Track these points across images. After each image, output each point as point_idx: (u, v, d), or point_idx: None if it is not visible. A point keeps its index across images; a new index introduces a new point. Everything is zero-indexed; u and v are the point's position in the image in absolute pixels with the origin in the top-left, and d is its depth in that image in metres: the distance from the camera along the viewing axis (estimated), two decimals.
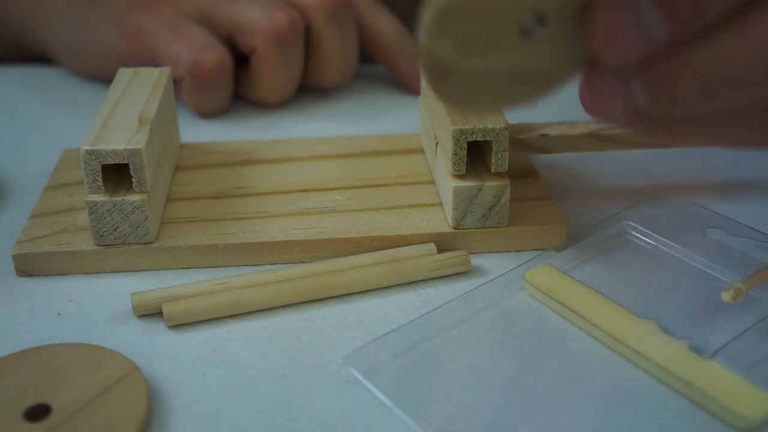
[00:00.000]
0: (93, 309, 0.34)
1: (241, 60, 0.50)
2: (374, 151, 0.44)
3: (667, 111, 0.26)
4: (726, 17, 0.24)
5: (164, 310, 0.33)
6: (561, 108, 0.49)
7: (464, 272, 0.36)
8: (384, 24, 0.52)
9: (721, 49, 0.25)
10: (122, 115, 0.37)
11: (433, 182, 0.41)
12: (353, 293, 0.35)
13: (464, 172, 0.36)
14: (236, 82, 0.50)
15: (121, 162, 0.34)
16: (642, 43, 0.24)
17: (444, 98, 0.29)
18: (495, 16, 0.26)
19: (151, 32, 0.48)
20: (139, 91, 0.39)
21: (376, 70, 0.56)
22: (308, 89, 0.54)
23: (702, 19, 0.24)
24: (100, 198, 0.35)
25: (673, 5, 0.23)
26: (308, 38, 0.50)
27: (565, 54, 0.28)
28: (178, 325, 0.33)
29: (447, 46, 0.27)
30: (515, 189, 0.37)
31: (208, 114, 0.51)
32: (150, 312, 0.34)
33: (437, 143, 0.39)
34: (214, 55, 0.47)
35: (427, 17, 0.26)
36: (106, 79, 0.52)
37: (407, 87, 0.54)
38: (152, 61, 0.49)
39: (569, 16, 0.27)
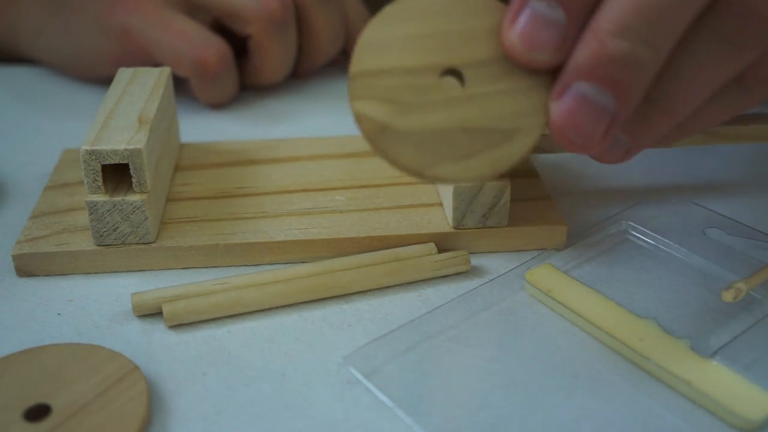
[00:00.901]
0: (93, 309, 0.34)
1: (234, 39, 0.50)
2: None
3: (649, 146, 0.30)
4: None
5: (164, 310, 0.33)
6: None
7: (464, 272, 0.36)
8: (351, 10, 0.53)
9: (678, 86, 0.28)
10: (122, 115, 0.37)
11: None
12: (353, 293, 0.35)
13: None
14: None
15: (121, 162, 0.34)
16: (603, 121, 0.27)
17: (396, 161, 0.29)
18: (408, 73, 0.28)
19: (140, 32, 0.48)
20: (139, 90, 0.39)
21: None
22: (302, 78, 0.54)
23: (639, 98, 0.27)
24: (100, 198, 0.35)
25: (616, 85, 0.27)
26: (297, 17, 0.51)
27: (514, 105, 0.29)
28: (178, 325, 0.33)
29: (371, 105, 0.28)
30: (515, 189, 0.37)
31: (222, 104, 0.51)
32: (150, 312, 0.34)
33: None
34: (215, 49, 0.47)
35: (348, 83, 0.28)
36: (102, 81, 0.52)
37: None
38: (148, 60, 0.49)
39: (487, 69, 0.29)
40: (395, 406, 0.29)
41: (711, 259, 0.36)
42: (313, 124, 0.50)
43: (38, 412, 0.28)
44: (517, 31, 0.28)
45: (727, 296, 0.33)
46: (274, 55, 0.49)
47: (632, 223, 0.39)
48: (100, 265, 0.36)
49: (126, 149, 0.34)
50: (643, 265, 0.36)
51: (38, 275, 0.36)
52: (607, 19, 0.26)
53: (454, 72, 0.29)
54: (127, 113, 0.37)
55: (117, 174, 0.36)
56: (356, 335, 0.33)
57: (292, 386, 0.31)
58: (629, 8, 0.26)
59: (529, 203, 0.39)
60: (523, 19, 0.27)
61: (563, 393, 0.30)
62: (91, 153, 0.34)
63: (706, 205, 0.40)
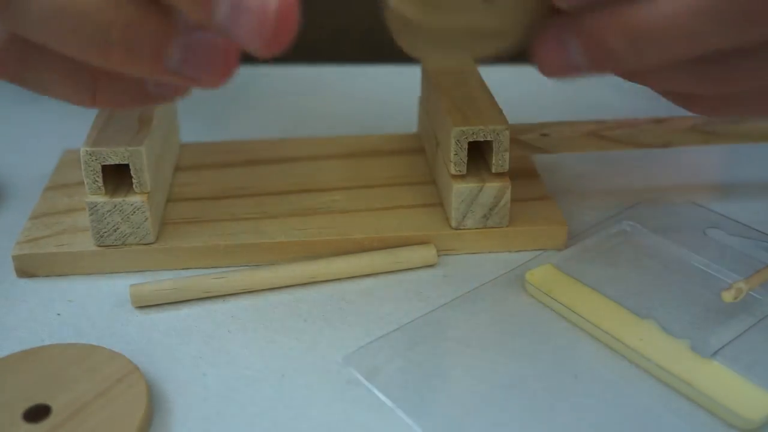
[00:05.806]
0: (93, 309, 0.34)
1: None
2: (374, 151, 0.44)
3: (606, 68, 0.28)
4: None
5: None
6: (561, 108, 0.49)
7: (464, 272, 0.36)
8: None
9: (643, 9, 0.26)
10: (122, 115, 0.37)
11: (433, 182, 0.41)
12: (353, 294, 0.35)
13: (465, 172, 0.36)
14: None
15: (121, 162, 0.34)
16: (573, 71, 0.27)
17: (408, 50, 0.30)
18: None
19: None
20: None
21: (375, 70, 0.56)
22: None
23: None
24: (100, 198, 0.35)
25: None
26: None
27: (518, 16, 0.30)
28: (177, 326, 0.33)
29: (413, 6, 0.28)
30: (515, 189, 0.37)
31: None
32: (148, 304, 0.34)
33: (437, 144, 0.39)
34: None
35: None
36: None
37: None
38: None
39: None
40: (395, 406, 0.29)
41: (711, 259, 0.36)
42: (314, 123, 0.50)
43: (38, 413, 0.28)
44: None
45: (728, 296, 0.33)
46: None
47: (632, 223, 0.39)
48: (100, 265, 0.36)
49: (126, 150, 0.34)
50: (644, 265, 0.36)
51: (38, 276, 0.36)
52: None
53: None
54: (127, 114, 0.37)
55: (117, 174, 0.36)
56: (356, 335, 0.33)
57: (292, 386, 0.30)
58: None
59: (530, 203, 0.39)
60: None
61: (563, 393, 0.30)
62: (91, 153, 0.34)
63: (706, 205, 0.40)
